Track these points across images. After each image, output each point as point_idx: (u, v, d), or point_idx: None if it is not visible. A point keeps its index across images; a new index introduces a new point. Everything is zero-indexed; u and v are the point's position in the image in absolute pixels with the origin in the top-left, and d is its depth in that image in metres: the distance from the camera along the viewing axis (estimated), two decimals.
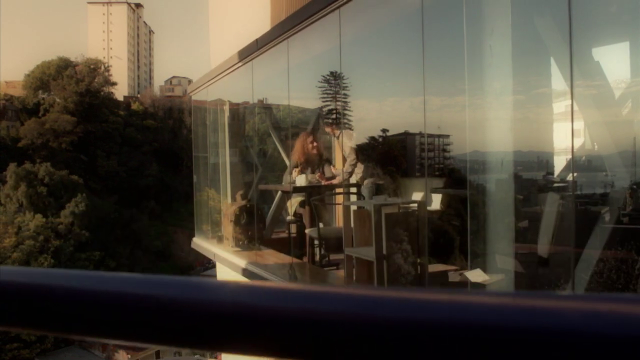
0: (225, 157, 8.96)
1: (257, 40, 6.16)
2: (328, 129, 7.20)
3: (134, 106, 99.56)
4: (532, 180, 4.47)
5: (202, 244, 8.99)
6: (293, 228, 8.05)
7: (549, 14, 3.92)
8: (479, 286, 4.14)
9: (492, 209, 4.06)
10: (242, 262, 6.93)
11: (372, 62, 6.39)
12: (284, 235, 8.46)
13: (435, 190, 5.67)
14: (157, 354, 62.42)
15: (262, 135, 9.16)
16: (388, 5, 4.71)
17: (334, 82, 6.13)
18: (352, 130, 7.03)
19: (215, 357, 55.73)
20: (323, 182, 7.43)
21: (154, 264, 76.42)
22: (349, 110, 6.61)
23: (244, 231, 7.63)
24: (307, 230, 6.98)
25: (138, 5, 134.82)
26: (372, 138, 7.46)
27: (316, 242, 7.02)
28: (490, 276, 4.28)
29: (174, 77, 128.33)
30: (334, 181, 7.49)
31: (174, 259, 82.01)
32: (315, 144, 7.68)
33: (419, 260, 5.34)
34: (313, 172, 7.53)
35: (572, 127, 3.44)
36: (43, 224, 63.47)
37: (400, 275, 5.21)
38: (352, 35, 5.31)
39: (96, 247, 67.26)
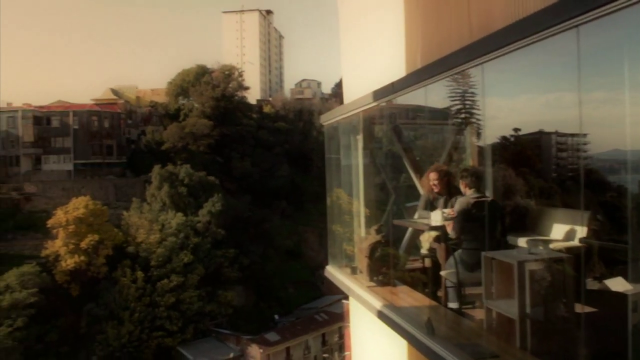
0: (357, 160, 8.93)
1: (393, 84, 6.14)
2: (463, 186, 6.87)
3: (266, 109, 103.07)
4: None
5: (335, 274, 9.03)
6: (427, 262, 7.90)
7: None
8: (620, 296, 3.87)
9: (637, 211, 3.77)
10: (376, 303, 6.88)
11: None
12: (418, 266, 8.32)
13: (586, 240, 5.31)
14: (287, 350, 64.15)
15: (391, 139, 9.02)
16: (536, 63, 4.49)
17: (462, 81, 5.94)
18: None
19: (343, 358, 56.22)
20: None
21: (285, 263, 78.62)
22: (477, 109, 6.36)
23: (378, 267, 7.63)
24: (442, 273, 6.82)
25: (268, 12, 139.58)
26: (504, 137, 7.14)
27: (449, 283, 6.84)
28: (634, 285, 3.99)
29: (303, 79, 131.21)
30: None
31: (305, 258, 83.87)
32: (443, 179, 7.47)
33: (565, 315, 5.04)
34: (445, 206, 7.33)
35: None
36: (183, 222, 67.29)
37: (545, 337, 4.96)
38: (494, 80, 5.10)
39: (231, 244, 70.23)
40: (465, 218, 6.49)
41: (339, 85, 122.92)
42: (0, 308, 55.84)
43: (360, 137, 8.64)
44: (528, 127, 6.75)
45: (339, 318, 63.60)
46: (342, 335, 64.38)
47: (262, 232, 75.58)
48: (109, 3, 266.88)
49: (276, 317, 72.50)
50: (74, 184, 74.42)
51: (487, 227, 5.94)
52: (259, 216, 77.01)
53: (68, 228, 61.84)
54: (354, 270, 8.62)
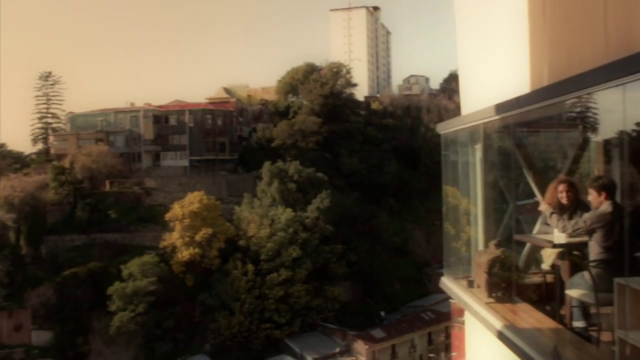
0: (476, 169, 8.69)
1: (518, 98, 5.96)
2: (592, 196, 6.46)
3: (374, 105, 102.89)
4: None
5: (451, 286, 8.86)
6: (549, 278, 7.57)
7: None
8: None
9: None
10: (496, 322, 6.68)
11: None
12: (539, 281, 7.99)
13: None
14: (393, 347, 63.93)
15: (511, 149, 8.70)
16: None
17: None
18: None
19: (450, 359, 55.28)
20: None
21: (392, 259, 78.32)
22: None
23: (497, 283, 7.42)
24: (568, 292, 6.51)
25: (375, 8, 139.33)
26: (622, 132, 6.68)
27: (575, 302, 6.51)
28: None
29: (411, 75, 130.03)
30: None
31: (412, 255, 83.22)
32: (571, 191, 7.09)
33: None
34: (571, 219, 6.97)
35: None
36: (292, 218, 68.67)
37: None
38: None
39: (339, 240, 70.90)
40: (603, 233, 6.13)
41: (447, 81, 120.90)
42: (124, 294, 59.80)
43: (479, 147, 8.44)
44: None
45: (446, 317, 62.52)
46: (448, 335, 63.35)
47: (369, 229, 75.64)
48: (221, 5, 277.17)
49: (382, 313, 72.47)
50: (189, 180, 78.03)
51: (625, 243, 5.58)
52: (367, 212, 77.11)
53: (184, 221, 65.00)
54: (470, 284, 8.42)
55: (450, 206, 10.11)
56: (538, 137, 8.82)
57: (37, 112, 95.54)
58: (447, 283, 9.07)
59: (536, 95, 5.63)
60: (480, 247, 8.48)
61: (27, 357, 59.63)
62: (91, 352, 61.92)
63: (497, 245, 7.73)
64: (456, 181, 9.72)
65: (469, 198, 9.14)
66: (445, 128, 9.12)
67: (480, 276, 7.81)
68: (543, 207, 7.02)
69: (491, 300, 7.50)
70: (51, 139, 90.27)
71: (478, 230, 8.63)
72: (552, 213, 6.76)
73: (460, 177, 9.43)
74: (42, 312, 61.13)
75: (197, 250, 63.98)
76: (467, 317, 8.52)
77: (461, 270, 9.33)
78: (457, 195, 9.67)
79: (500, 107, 6.50)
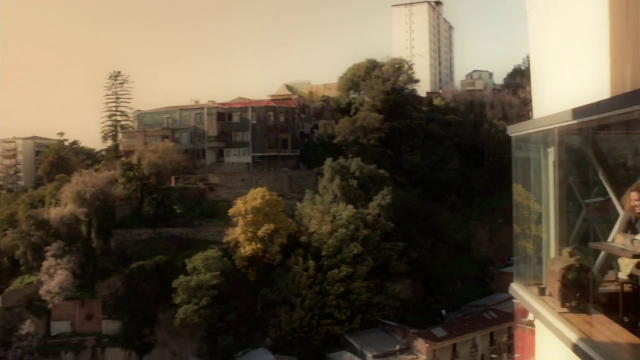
0: (548, 173, 8.40)
1: (598, 104, 5.71)
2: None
3: (436, 102, 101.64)
4: None
5: (521, 293, 8.59)
6: (626, 288, 7.28)
7: None
8: None
9: None
10: (571, 335, 6.44)
11: None
12: (615, 290, 7.67)
13: None
14: (454, 347, 63.03)
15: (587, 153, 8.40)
16: None
17: None
18: None
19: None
20: None
21: (454, 257, 77.19)
22: None
23: (572, 292, 7.16)
24: None
25: (438, 3, 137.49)
26: None
27: None
28: None
29: (474, 71, 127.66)
30: None
31: (474, 253, 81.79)
32: None
33: None
34: None
35: None
36: (354, 215, 68.66)
37: None
38: None
39: (400, 238, 70.45)
40: None
41: (512, 76, 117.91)
42: (189, 288, 61.29)
43: (552, 150, 8.16)
44: None
45: (509, 317, 61.21)
46: (511, 335, 61.99)
47: (431, 226, 74.85)
48: (284, 3, 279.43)
49: (443, 312, 71.58)
50: (252, 176, 79.26)
51: None
52: (429, 210, 76.38)
53: (247, 217, 65.99)
54: (542, 292, 8.15)
55: (520, 210, 9.84)
56: (617, 138, 8.48)
57: (107, 111, 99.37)
58: (517, 289, 8.79)
59: (617, 102, 5.37)
60: (553, 253, 8.20)
61: (98, 345, 62.16)
62: (157, 342, 63.78)
63: (572, 253, 7.47)
64: (527, 184, 9.44)
65: (541, 202, 8.85)
66: (516, 131, 8.85)
67: (553, 285, 7.54)
68: (620, 240, 6.78)
69: (565, 310, 7.23)
70: (120, 136, 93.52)
71: (550, 236, 8.34)
72: (633, 240, 6.49)
73: (532, 181, 9.15)
74: (111, 303, 63.46)
75: (259, 245, 64.87)
76: (538, 327, 8.24)
77: (532, 276, 9.05)
78: (529, 199, 9.40)
79: (578, 112, 6.24)
